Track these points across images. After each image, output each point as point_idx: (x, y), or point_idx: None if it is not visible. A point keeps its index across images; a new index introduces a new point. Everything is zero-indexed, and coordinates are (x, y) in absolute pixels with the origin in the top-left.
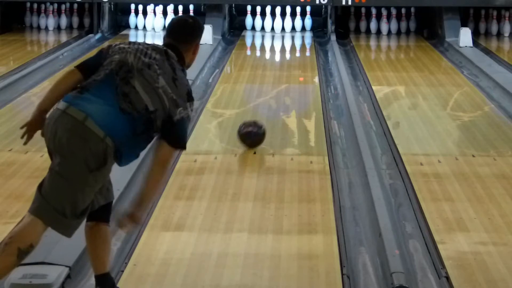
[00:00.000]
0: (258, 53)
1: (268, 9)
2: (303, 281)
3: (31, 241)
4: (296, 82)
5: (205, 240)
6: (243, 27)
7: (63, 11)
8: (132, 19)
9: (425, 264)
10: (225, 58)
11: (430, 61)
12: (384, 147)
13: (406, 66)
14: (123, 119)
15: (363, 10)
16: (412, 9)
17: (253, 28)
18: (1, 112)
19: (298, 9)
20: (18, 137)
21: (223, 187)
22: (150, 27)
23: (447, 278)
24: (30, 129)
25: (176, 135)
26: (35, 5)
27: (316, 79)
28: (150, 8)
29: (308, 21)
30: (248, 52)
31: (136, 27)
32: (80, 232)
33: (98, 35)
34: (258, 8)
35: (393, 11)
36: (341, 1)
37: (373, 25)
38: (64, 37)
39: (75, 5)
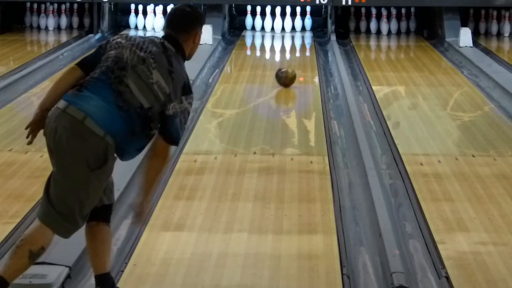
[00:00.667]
0: (258, 53)
1: (268, 9)
2: (303, 281)
3: (42, 243)
4: (296, 82)
5: (205, 240)
6: (243, 27)
7: (63, 11)
8: (132, 19)
9: (425, 264)
10: (225, 58)
11: (430, 61)
12: (384, 147)
13: (406, 66)
14: (121, 117)
15: (363, 10)
16: (412, 9)
17: (253, 28)
18: (1, 112)
19: (298, 9)
20: (18, 137)
21: (223, 187)
22: (150, 27)
23: (447, 278)
24: (33, 128)
25: (167, 131)
26: (35, 5)
27: (316, 79)
28: (150, 8)
29: (308, 21)
30: (248, 52)
31: (136, 27)
32: (80, 232)
33: (98, 35)
34: (258, 8)
35: (393, 11)
36: (341, 1)
37: (373, 25)
38: (64, 37)
39: (75, 5)
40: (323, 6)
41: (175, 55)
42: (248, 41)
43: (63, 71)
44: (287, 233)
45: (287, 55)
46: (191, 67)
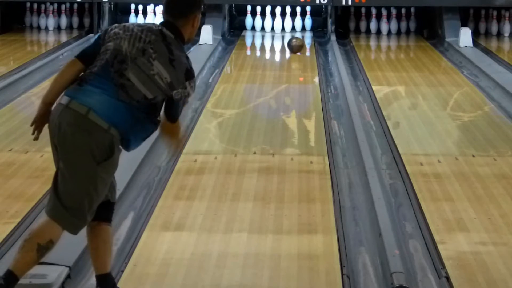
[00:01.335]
0: (258, 53)
1: (268, 9)
2: (303, 281)
3: (50, 237)
4: (296, 82)
5: (205, 240)
6: (243, 27)
7: (63, 11)
8: (132, 19)
9: (425, 264)
10: (225, 58)
11: (430, 61)
12: (384, 147)
13: (406, 66)
14: (124, 108)
15: (363, 10)
16: (412, 9)
17: (253, 28)
18: (1, 112)
19: (298, 9)
20: (18, 137)
21: (223, 187)
22: None
23: (447, 278)
24: (38, 123)
25: (168, 113)
26: (35, 5)
27: (316, 79)
28: (150, 8)
29: (308, 21)
30: (248, 52)
31: None
32: (80, 232)
33: None
34: (258, 8)
35: (393, 11)
36: (341, 1)
37: (373, 25)
38: (64, 37)
39: (75, 5)
40: (323, 6)
41: (174, 41)
42: (248, 41)
43: (64, 65)
44: (287, 233)
45: (287, 55)
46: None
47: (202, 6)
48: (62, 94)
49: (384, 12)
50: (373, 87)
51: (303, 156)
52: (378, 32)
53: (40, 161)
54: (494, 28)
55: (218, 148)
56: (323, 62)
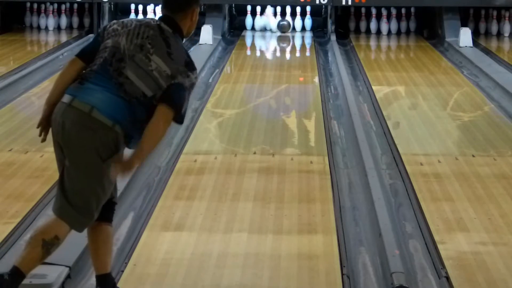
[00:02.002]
0: (258, 53)
1: (268, 9)
2: (303, 281)
3: (56, 233)
4: (296, 82)
5: (205, 240)
6: (243, 27)
7: (63, 11)
8: None
9: (425, 264)
10: (225, 58)
11: (430, 61)
12: (384, 147)
13: (406, 66)
14: (125, 106)
15: (363, 10)
16: (412, 9)
17: (253, 28)
18: (1, 112)
19: (298, 9)
20: (18, 137)
21: (223, 187)
22: None
23: (447, 278)
24: (44, 124)
25: (170, 96)
26: (35, 5)
27: (316, 79)
28: (150, 8)
29: (308, 21)
30: (248, 52)
31: None
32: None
33: None
34: (258, 8)
35: (393, 11)
36: (341, 1)
37: (373, 25)
38: (64, 37)
39: (75, 5)
40: (323, 6)
41: (172, 35)
42: (248, 41)
43: (65, 64)
44: (287, 233)
45: (287, 55)
46: None
47: (202, 6)
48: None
49: (384, 12)
50: (373, 87)
51: (303, 156)
52: (378, 32)
53: (40, 161)
54: (494, 28)
55: (218, 148)
56: (323, 62)
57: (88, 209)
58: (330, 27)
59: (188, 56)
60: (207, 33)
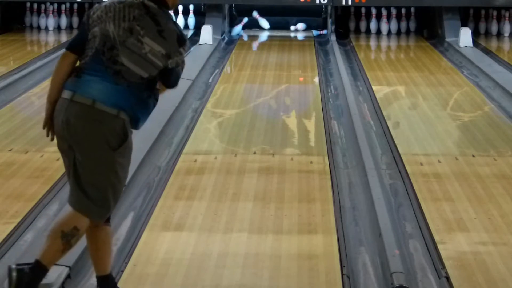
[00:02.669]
0: (258, 53)
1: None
2: (303, 281)
3: (75, 224)
4: (296, 82)
5: (205, 240)
6: (244, 27)
7: (63, 11)
8: None
9: (425, 264)
10: (225, 58)
11: (430, 61)
12: (384, 147)
13: (406, 66)
14: (125, 91)
15: (363, 10)
16: (412, 9)
17: (253, 28)
18: (1, 112)
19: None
20: (18, 137)
21: (223, 187)
22: None
23: (447, 278)
24: (50, 124)
25: (167, 79)
26: (35, 5)
27: (316, 79)
28: None
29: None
30: (248, 52)
31: None
32: None
33: None
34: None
35: (393, 11)
36: (341, 1)
37: (373, 25)
38: (64, 37)
39: (75, 5)
40: (323, 6)
41: (158, 11)
42: (248, 41)
43: (58, 60)
44: (287, 233)
45: (287, 55)
46: (191, 67)
47: (202, 6)
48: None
49: (384, 12)
50: (373, 87)
51: (303, 156)
52: (378, 32)
53: (40, 161)
54: (494, 28)
55: (218, 148)
56: (323, 62)
57: (105, 199)
58: (330, 27)
59: (178, 29)
60: (207, 33)
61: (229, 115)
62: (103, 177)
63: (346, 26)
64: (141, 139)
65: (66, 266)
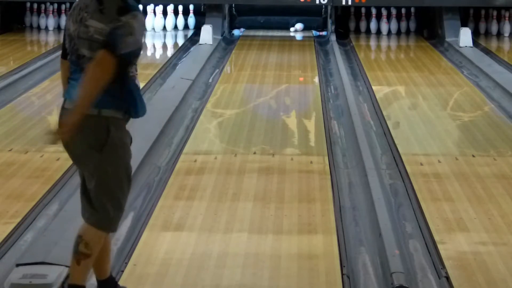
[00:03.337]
0: (258, 53)
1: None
2: (303, 281)
3: (79, 233)
4: (296, 82)
5: (205, 240)
6: (243, 27)
7: (63, 11)
8: None
9: (425, 264)
10: (225, 58)
11: (430, 61)
12: (384, 147)
13: (406, 66)
14: None
15: (363, 10)
16: (412, 9)
17: (253, 28)
18: (1, 112)
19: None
20: (18, 137)
21: (223, 187)
22: (150, 27)
23: (447, 278)
24: None
25: (104, 42)
26: (35, 5)
27: (316, 79)
28: (150, 8)
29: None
30: (248, 52)
31: None
32: None
33: None
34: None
35: (393, 11)
36: (341, 1)
37: (373, 25)
38: None
39: None
40: (323, 6)
41: None
42: (248, 41)
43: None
44: (287, 233)
45: (287, 55)
46: (191, 67)
47: (202, 6)
48: None
49: (384, 12)
50: (373, 87)
51: (303, 156)
52: (378, 32)
53: (40, 161)
54: (494, 28)
55: (218, 148)
56: (323, 62)
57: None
58: (330, 27)
59: (124, 3)
60: (207, 33)
61: (229, 115)
62: (106, 183)
63: (346, 26)
64: (141, 139)
65: (66, 266)
